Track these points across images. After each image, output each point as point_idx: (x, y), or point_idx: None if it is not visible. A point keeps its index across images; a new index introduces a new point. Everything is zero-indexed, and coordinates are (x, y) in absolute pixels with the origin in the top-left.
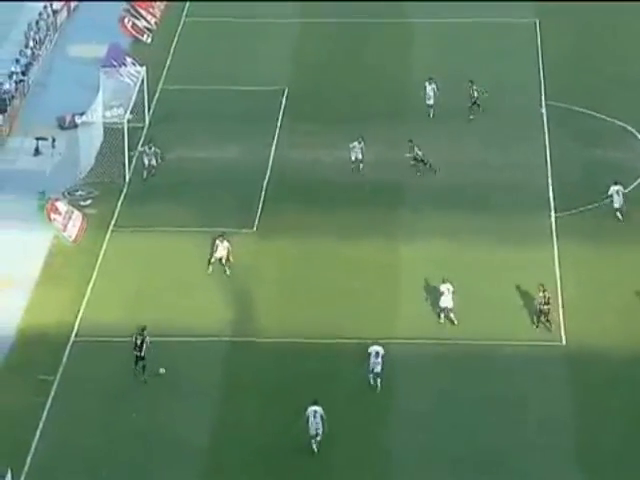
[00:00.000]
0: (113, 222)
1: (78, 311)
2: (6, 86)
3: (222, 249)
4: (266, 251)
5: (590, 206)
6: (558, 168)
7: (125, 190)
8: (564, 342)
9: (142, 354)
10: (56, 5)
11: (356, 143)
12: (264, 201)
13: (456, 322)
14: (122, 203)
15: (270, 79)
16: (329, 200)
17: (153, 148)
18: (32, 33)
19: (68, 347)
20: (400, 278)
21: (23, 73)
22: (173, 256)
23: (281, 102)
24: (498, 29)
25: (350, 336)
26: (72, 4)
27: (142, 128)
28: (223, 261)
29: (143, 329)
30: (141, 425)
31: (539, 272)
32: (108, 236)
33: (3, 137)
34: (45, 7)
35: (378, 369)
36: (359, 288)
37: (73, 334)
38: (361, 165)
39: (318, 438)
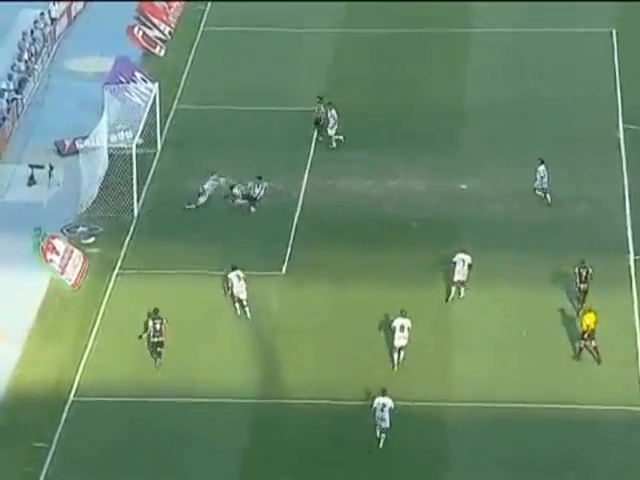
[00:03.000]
0: (119, 264)
1: (78, 367)
2: None
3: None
4: (296, 297)
5: None
6: (638, 202)
7: (133, 226)
8: None
9: (162, 339)
10: (55, 12)
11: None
12: (294, 240)
13: (462, 295)
14: (130, 241)
15: (302, 98)
16: (370, 239)
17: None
18: (27, 44)
19: (66, 408)
20: (453, 330)
21: (17, 91)
22: (188, 303)
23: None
24: (567, 40)
25: (395, 397)
26: (73, 11)
27: (154, 154)
28: (244, 303)
29: (156, 311)
30: None
31: (615, 323)
32: (113, 280)
33: None
34: (42, 14)
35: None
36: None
37: (72, 394)
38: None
39: (384, 434)
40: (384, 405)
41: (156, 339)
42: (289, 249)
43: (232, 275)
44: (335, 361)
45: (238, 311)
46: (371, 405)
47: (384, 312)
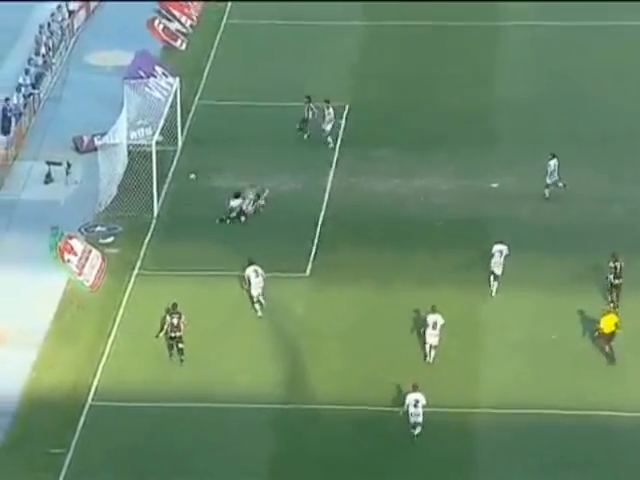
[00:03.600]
0: (139, 264)
1: (96, 370)
2: (14, 101)
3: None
4: (321, 299)
5: None
6: None
7: (153, 226)
8: None
9: (180, 334)
10: (73, 4)
11: None
12: (319, 241)
13: (494, 294)
14: (149, 241)
15: (328, 94)
16: (396, 239)
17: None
18: (44, 38)
19: (83, 413)
20: (483, 336)
21: (33, 86)
22: (210, 305)
23: (340, 121)
24: (603, 33)
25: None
26: (92, 4)
27: (174, 151)
28: (255, 299)
29: (174, 306)
30: None
31: None
32: (132, 281)
33: (8, 161)
34: (59, 7)
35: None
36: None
37: (89, 398)
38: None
39: (417, 429)
40: (417, 401)
41: (173, 334)
42: (313, 250)
43: (250, 271)
44: (361, 365)
45: (259, 312)
46: (403, 402)
47: (411, 314)
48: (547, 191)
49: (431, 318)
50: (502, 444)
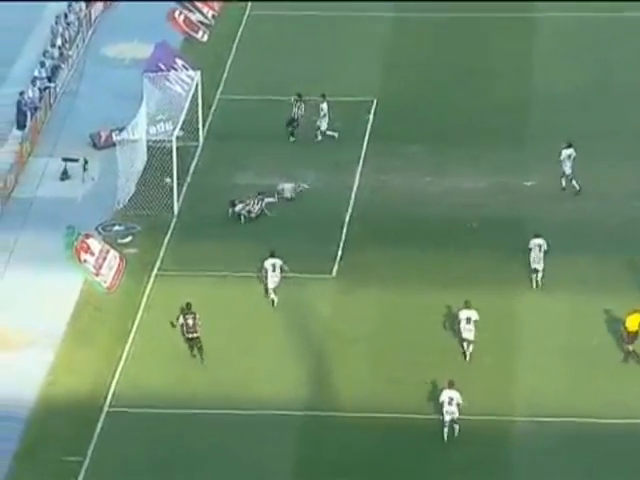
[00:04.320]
0: (158, 265)
1: (113, 375)
2: (29, 94)
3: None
4: (347, 301)
5: None
6: None
7: (173, 225)
8: None
9: (198, 335)
10: None
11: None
12: (345, 241)
13: (540, 285)
14: (169, 241)
15: (356, 88)
16: (426, 240)
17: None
18: (60, 29)
19: (100, 420)
20: (515, 338)
21: (49, 79)
22: (231, 308)
23: (368, 117)
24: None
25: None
26: None
27: (195, 147)
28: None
29: (189, 306)
30: None
31: None
32: (151, 282)
33: (23, 157)
34: None
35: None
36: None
37: (106, 404)
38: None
39: (456, 428)
40: (451, 399)
41: (190, 335)
42: (340, 250)
43: (268, 263)
44: (391, 370)
45: (275, 301)
46: (438, 399)
47: (440, 316)
48: (574, 183)
49: (464, 313)
50: (537, 453)
